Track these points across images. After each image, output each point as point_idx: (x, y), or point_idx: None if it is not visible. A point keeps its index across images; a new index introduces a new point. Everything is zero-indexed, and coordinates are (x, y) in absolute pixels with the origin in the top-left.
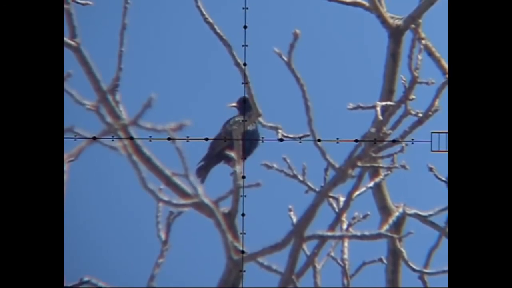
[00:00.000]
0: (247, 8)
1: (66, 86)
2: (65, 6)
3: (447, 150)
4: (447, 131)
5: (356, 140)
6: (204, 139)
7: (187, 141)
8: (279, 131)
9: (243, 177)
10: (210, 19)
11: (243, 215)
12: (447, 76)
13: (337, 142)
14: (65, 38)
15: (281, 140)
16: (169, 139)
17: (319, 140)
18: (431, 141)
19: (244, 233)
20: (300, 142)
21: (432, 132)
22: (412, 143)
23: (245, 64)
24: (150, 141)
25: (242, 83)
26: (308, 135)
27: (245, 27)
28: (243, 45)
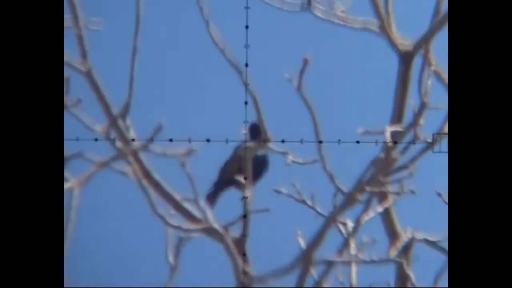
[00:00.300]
0: (249, 8)
1: (77, 111)
2: (76, 31)
3: (447, 151)
4: (447, 132)
5: (358, 142)
6: (205, 140)
7: (189, 142)
8: (289, 156)
9: (245, 197)
10: (220, 45)
11: (245, 236)
12: (447, 79)
13: (339, 143)
14: (75, 64)
15: (284, 141)
16: (170, 140)
17: (320, 141)
18: (432, 143)
19: (244, 255)
20: (301, 143)
21: (433, 134)
22: (414, 144)
23: (246, 65)
24: (152, 142)
25: (245, 84)
26: (313, 162)
27: (246, 27)
28: (244, 46)
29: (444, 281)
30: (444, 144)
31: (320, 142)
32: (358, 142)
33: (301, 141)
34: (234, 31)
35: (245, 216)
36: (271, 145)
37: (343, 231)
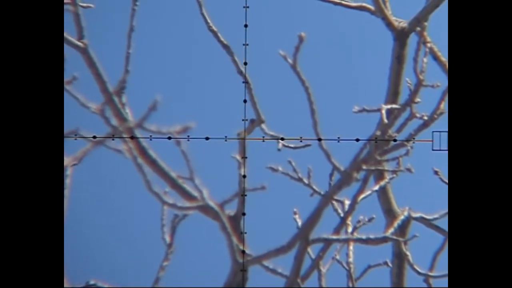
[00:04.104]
0: (248, 7)
1: (71, 89)
2: (72, 8)
3: (447, 149)
4: (447, 130)
5: (357, 140)
6: (205, 138)
7: (188, 140)
8: (280, 142)
9: (244, 176)
10: (214, 28)
11: (243, 214)
12: (447, 75)
13: (338, 141)
14: (72, 39)
15: (282, 139)
16: (169, 138)
17: (319, 139)
18: (432, 140)
19: (245, 233)
20: (301, 141)
21: (433, 132)
22: (414, 143)
23: (245, 63)
24: (151, 139)
25: (243, 82)
26: (305, 146)
27: (245, 26)
28: (243, 44)
29: (442, 259)
30: (443, 141)
31: (320, 139)
32: (357, 140)
33: (301, 139)
34: (232, 30)
35: (243, 195)
36: (264, 127)
37: (340, 209)
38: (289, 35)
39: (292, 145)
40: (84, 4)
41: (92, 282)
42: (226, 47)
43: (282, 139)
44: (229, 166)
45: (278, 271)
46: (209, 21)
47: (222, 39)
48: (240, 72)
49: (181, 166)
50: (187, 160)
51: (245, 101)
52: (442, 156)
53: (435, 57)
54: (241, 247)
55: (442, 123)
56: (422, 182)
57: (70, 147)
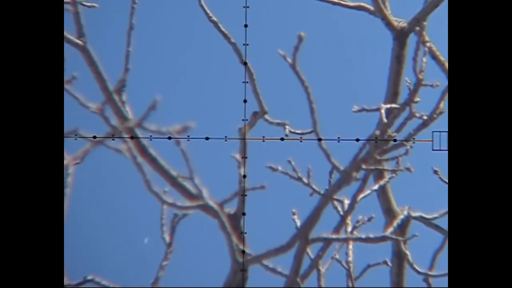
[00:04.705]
0: (248, 7)
1: (71, 89)
2: (72, 8)
3: (447, 149)
4: (447, 130)
5: (357, 139)
6: (205, 138)
7: (188, 140)
8: (287, 127)
9: (244, 176)
10: (214, 18)
11: (243, 214)
12: (447, 75)
13: (338, 141)
14: (71, 37)
15: (282, 139)
16: (169, 138)
17: (320, 139)
18: (432, 140)
19: (245, 233)
20: (301, 141)
21: (433, 132)
22: (414, 143)
23: (245, 63)
24: (151, 139)
25: (243, 82)
26: (311, 132)
27: (245, 26)
28: (244, 44)
29: (442, 258)
30: (443, 141)
31: (320, 139)
32: (357, 140)
33: (301, 139)
34: (232, 30)
35: (243, 195)
36: (267, 117)
37: (339, 209)
38: (288, 35)
39: (299, 131)
40: (88, 4)
41: (89, 277)
42: (227, 37)
43: (282, 139)
44: (229, 166)
45: (278, 271)
46: (208, 11)
47: (222, 29)
48: (243, 63)
49: (181, 166)
50: (187, 160)
51: (245, 101)
52: (442, 156)
53: (434, 57)
54: (241, 247)
55: (442, 123)
56: (422, 182)
57: (70, 147)
